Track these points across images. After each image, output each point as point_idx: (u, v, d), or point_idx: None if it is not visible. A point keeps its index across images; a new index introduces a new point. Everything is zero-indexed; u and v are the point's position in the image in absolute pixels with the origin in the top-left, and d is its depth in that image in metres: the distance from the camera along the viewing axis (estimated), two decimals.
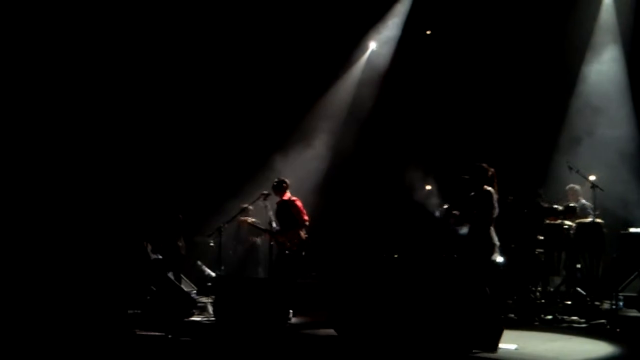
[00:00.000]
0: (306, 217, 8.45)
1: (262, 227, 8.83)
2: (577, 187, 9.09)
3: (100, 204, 10.60)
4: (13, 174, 9.90)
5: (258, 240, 10.38)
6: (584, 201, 9.06)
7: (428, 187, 11.68)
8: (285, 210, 8.47)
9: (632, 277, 7.94)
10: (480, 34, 10.86)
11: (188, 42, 11.41)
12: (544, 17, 10.33)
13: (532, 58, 10.45)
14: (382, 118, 12.03)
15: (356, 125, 12.12)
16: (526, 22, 10.45)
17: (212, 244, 10.20)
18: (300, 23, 11.68)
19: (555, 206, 8.72)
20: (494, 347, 5.81)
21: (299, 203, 8.51)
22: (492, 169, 6.96)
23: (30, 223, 9.86)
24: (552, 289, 8.81)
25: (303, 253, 8.50)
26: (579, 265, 8.56)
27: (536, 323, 7.72)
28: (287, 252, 8.35)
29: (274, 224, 8.56)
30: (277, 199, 8.60)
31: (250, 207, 9.41)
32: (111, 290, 8.63)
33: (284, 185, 8.56)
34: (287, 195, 8.56)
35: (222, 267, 9.02)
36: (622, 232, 8.61)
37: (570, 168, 8.69)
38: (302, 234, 8.41)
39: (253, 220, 9.19)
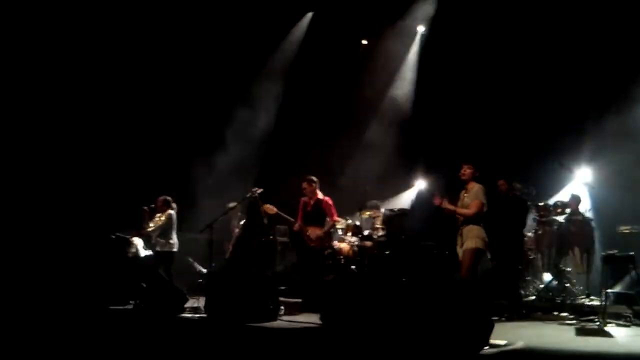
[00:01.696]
0: (336, 217, 8.62)
1: (289, 217, 8.95)
2: (579, 197, 9.00)
3: (87, 200, 10.60)
4: None
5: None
6: (583, 212, 8.98)
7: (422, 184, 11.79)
8: (318, 209, 8.58)
9: (622, 273, 7.97)
10: (471, 32, 10.89)
11: (180, 39, 11.38)
12: (535, 13, 10.36)
13: (525, 55, 10.48)
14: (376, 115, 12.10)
15: (351, 124, 12.18)
16: (518, 19, 10.47)
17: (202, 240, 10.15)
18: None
19: (546, 202, 8.75)
20: (484, 342, 5.82)
21: (330, 202, 8.68)
22: (482, 167, 7.03)
23: (14, 221, 9.84)
24: (542, 285, 8.85)
25: (326, 252, 8.63)
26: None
27: (526, 319, 7.73)
28: (314, 248, 8.47)
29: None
30: (307, 197, 8.75)
31: (239, 206, 9.42)
32: (96, 287, 8.62)
33: (314, 184, 8.66)
34: (319, 194, 8.66)
35: (213, 264, 9.02)
36: (612, 230, 8.64)
37: (561, 165, 8.73)
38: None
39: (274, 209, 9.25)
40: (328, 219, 8.74)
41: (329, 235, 8.78)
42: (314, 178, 8.79)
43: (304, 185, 8.70)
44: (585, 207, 9.00)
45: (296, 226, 8.77)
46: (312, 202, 8.69)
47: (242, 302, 7.59)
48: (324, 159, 11.86)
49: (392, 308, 6.38)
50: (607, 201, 9.24)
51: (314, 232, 8.57)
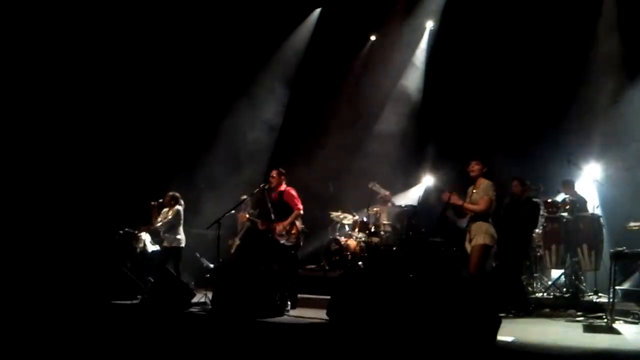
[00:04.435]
0: (300, 205, 8.42)
1: (259, 220, 8.83)
2: (571, 180, 9.07)
3: (95, 196, 10.65)
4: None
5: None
6: (580, 194, 9.04)
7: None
8: (281, 201, 8.47)
9: (630, 270, 7.93)
10: (480, 28, 10.85)
11: (183, 39, 11.40)
12: (545, 8, 10.29)
13: (532, 50, 10.43)
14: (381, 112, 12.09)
15: (360, 119, 12.16)
16: (526, 14, 10.42)
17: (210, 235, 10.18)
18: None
19: (555, 199, 8.72)
20: (491, 339, 5.80)
21: (293, 192, 8.49)
22: (491, 163, 7.02)
23: (22, 216, 9.90)
24: (550, 282, 8.82)
25: (301, 244, 8.49)
26: (577, 259, 8.56)
27: (534, 315, 7.71)
28: (285, 243, 8.35)
29: (272, 217, 8.57)
30: (275, 191, 8.59)
31: (249, 199, 9.43)
32: (103, 281, 8.66)
33: (282, 176, 8.56)
34: (283, 185, 8.55)
35: (220, 259, 9.04)
36: (621, 226, 8.59)
37: (570, 162, 8.69)
38: (299, 224, 8.40)
39: (251, 212, 9.26)
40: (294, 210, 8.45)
41: (294, 225, 8.38)
42: (283, 170, 8.65)
43: (273, 174, 8.55)
44: (594, 204, 8.97)
45: (260, 224, 8.64)
46: (276, 195, 8.59)
47: (249, 298, 7.62)
48: (331, 155, 11.87)
49: (399, 304, 6.38)
50: (615, 198, 9.20)
51: (279, 227, 8.46)
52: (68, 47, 10.66)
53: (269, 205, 8.61)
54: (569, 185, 9.02)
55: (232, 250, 10.15)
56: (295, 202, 8.39)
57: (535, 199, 8.71)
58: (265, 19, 11.63)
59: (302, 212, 8.42)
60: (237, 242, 10.14)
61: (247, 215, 9.11)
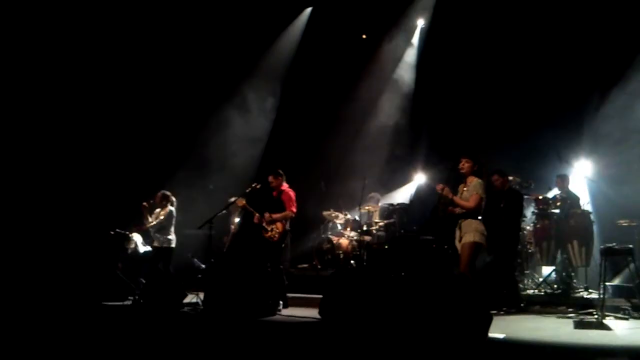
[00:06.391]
0: (294, 209, 8.43)
1: (254, 210, 8.82)
2: (566, 175, 9.11)
3: (86, 196, 10.61)
4: None
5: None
6: (573, 191, 9.08)
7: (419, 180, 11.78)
8: (279, 198, 8.49)
9: (620, 267, 7.98)
10: (471, 25, 10.87)
11: (179, 39, 11.36)
12: (535, 8, 10.33)
13: (525, 48, 10.46)
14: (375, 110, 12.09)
15: (352, 119, 12.18)
16: (519, 14, 10.45)
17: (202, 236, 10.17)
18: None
19: (546, 196, 8.75)
20: (482, 336, 5.82)
21: (292, 194, 8.52)
22: (481, 161, 7.03)
23: (13, 216, 9.85)
24: (540, 279, 8.86)
25: (283, 245, 8.49)
26: (567, 255, 8.60)
27: (525, 312, 7.75)
28: (269, 240, 8.37)
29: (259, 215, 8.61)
30: (273, 190, 8.61)
31: (239, 201, 9.40)
32: (93, 282, 8.63)
33: (280, 177, 8.58)
34: (285, 186, 8.58)
35: (212, 259, 9.02)
36: (611, 222, 8.65)
37: (560, 158, 8.72)
38: (286, 224, 8.40)
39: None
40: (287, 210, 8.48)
41: (281, 222, 8.41)
42: (280, 171, 8.68)
43: (270, 179, 8.60)
44: (584, 201, 9.02)
45: (256, 218, 8.66)
46: (276, 193, 8.61)
47: (241, 297, 7.61)
48: (323, 154, 11.87)
49: (390, 302, 6.40)
50: (605, 194, 9.24)
51: (266, 214, 8.44)
52: (61, 49, 10.62)
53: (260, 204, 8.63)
54: (564, 180, 9.03)
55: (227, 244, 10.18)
56: (290, 204, 8.42)
57: (518, 190, 8.72)
58: (254, 19, 11.61)
59: (293, 215, 8.44)
60: (233, 228, 10.14)
61: (244, 202, 8.99)
